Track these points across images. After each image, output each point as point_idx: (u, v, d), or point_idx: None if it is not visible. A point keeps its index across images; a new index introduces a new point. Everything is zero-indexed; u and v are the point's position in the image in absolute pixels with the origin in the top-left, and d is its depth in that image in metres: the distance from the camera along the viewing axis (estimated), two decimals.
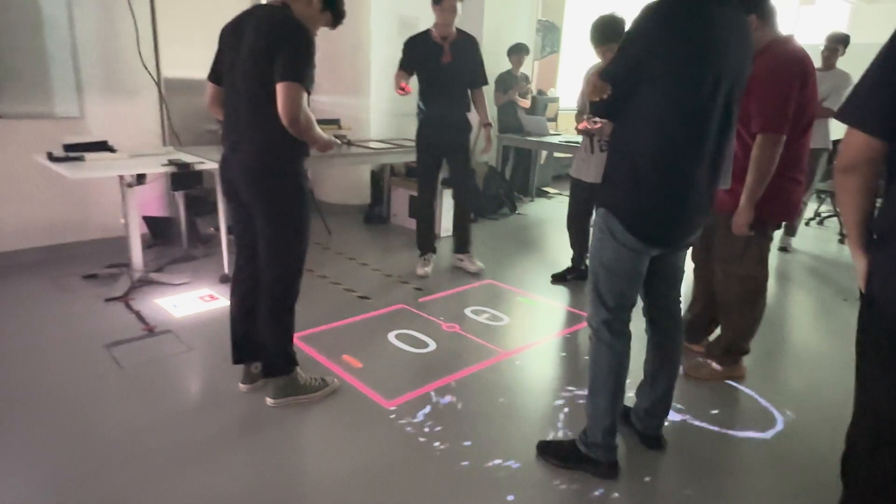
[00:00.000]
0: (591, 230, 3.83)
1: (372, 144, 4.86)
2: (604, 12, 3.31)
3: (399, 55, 5.56)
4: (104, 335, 2.94)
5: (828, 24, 8.87)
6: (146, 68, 4.07)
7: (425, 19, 5.73)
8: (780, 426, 2.50)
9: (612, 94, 1.82)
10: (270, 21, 2.06)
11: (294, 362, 2.46)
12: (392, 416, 2.41)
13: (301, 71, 2.01)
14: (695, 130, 1.77)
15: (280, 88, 2.00)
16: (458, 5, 3.62)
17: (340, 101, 5.28)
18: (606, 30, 3.23)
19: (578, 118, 3.78)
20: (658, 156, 1.78)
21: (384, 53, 5.42)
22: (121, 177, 3.41)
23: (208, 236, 4.42)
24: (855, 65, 4.91)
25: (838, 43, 4.72)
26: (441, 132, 3.82)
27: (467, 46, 3.78)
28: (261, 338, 2.39)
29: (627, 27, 1.79)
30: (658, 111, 1.75)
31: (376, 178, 5.61)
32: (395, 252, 4.69)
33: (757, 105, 2.34)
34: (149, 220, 4.23)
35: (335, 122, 4.90)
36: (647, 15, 1.73)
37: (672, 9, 1.70)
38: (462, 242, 4.17)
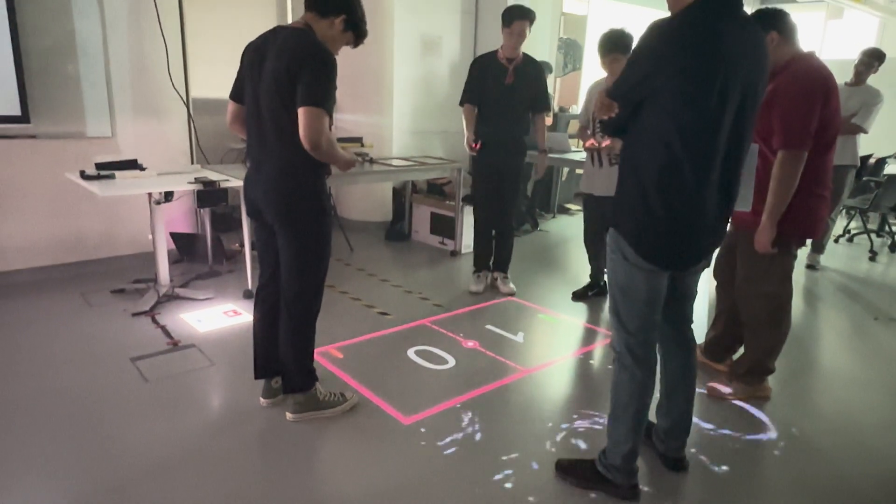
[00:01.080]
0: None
1: (394, 162, 4.91)
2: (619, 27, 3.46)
3: (421, 74, 5.66)
4: (130, 349, 3.00)
5: (856, 38, 8.74)
6: (175, 89, 4.19)
7: (448, 39, 5.82)
8: (807, 448, 2.43)
9: (619, 112, 1.80)
10: (292, 44, 2.09)
11: (314, 378, 2.48)
12: (410, 433, 2.41)
13: (322, 96, 2.05)
14: (701, 149, 1.71)
15: (301, 113, 2.03)
16: (527, 30, 3.67)
17: (363, 120, 5.36)
18: (612, 41, 3.38)
19: (581, 133, 3.82)
20: (663, 175, 1.74)
21: (407, 73, 5.50)
22: (149, 194, 3.50)
23: (233, 252, 4.50)
24: (883, 79, 4.84)
25: (874, 58, 4.61)
26: (497, 152, 3.85)
27: (532, 71, 3.82)
28: (281, 353, 2.42)
29: (635, 44, 1.78)
30: (662, 129, 1.71)
31: (398, 195, 5.66)
32: (416, 269, 4.71)
33: (779, 121, 2.31)
34: (175, 237, 4.33)
35: (358, 140, 4.96)
36: (654, 32, 1.71)
37: (678, 26, 1.68)
38: (501, 261, 4.17)
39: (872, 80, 4.66)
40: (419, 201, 5.38)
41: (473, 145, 3.87)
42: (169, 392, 2.64)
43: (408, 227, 5.50)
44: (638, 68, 1.74)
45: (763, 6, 2.42)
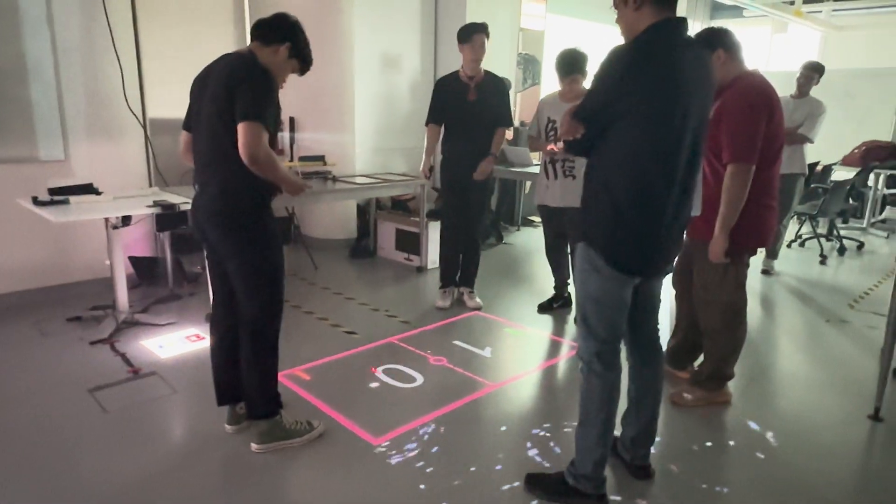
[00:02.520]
0: (570, 257, 3.91)
1: (357, 179, 4.91)
2: (573, 46, 3.61)
3: (382, 92, 5.69)
4: (88, 379, 2.91)
5: (799, 51, 9.14)
6: (131, 110, 4.11)
7: (408, 57, 5.88)
8: (766, 450, 2.51)
9: (586, 134, 1.88)
10: (231, 65, 2.13)
11: (278, 405, 2.43)
12: (380, 453, 2.40)
13: (260, 110, 2.05)
14: (667, 165, 1.83)
15: (240, 128, 2.04)
16: (486, 41, 3.75)
17: (325, 137, 5.34)
18: (567, 63, 3.55)
19: (532, 143, 3.91)
20: (633, 190, 1.84)
21: (368, 90, 5.52)
22: (106, 219, 3.42)
23: (194, 275, 4.42)
24: (825, 90, 5.06)
25: (814, 71, 4.84)
26: (461, 170, 3.88)
27: (494, 87, 3.88)
28: (243, 379, 2.38)
29: (596, 68, 1.85)
30: (632, 148, 1.81)
31: (362, 212, 5.65)
32: (382, 286, 4.70)
33: (727, 136, 2.41)
34: (134, 261, 4.23)
35: (320, 158, 4.95)
36: (615, 59, 1.80)
37: (638, 53, 1.78)
38: (467, 276, 4.21)
39: (815, 91, 4.87)
40: (383, 218, 5.37)
41: (427, 174, 4.05)
42: (130, 423, 2.57)
43: (373, 244, 5.49)
44: (602, 94, 1.84)
45: (710, 25, 2.53)
